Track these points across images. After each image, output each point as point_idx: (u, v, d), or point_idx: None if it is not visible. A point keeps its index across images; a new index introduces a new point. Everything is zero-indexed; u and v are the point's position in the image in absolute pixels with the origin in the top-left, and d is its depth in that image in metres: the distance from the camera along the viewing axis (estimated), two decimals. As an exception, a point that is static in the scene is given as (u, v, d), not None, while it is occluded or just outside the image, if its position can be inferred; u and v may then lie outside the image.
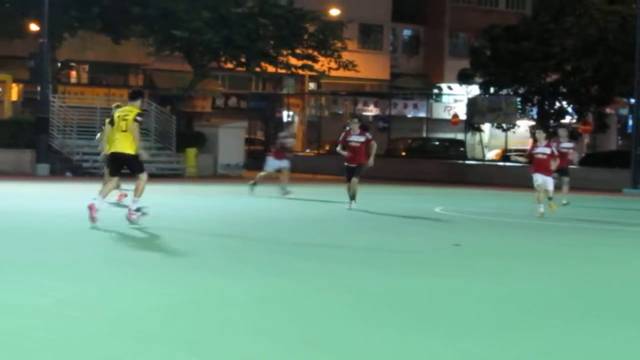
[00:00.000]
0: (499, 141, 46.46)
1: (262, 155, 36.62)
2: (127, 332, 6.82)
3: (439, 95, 52.96)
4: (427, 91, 52.84)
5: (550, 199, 19.34)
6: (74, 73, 47.88)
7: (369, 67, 49.93)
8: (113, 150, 14.29)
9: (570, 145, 23.32)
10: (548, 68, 40.45)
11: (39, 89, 32.41)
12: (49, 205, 18.59)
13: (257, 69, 39.47)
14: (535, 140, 20.60)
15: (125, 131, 13.97)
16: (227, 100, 50.71)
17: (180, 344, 6.51)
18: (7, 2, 35.33)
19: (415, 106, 51.16)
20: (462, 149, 43.50)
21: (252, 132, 46.10)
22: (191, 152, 34.59)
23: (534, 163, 19.27)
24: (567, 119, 42.48)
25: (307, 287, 9.21)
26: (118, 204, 17.57)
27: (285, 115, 49.26)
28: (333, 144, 32.79)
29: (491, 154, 48.29)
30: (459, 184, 34.39)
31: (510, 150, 41.53)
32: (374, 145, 19.58)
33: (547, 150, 19.16)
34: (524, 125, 44.01)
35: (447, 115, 47.82)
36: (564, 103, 41.80)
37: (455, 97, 49.51)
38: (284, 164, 23.45)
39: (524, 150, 27.92)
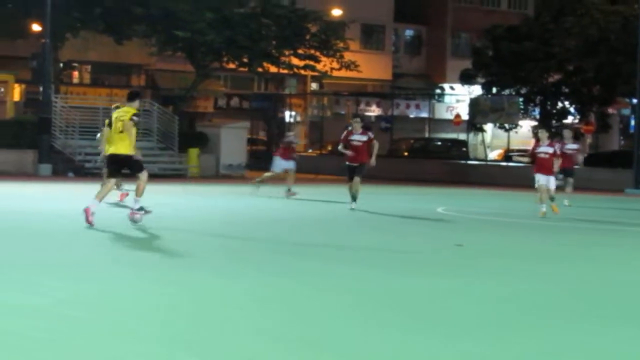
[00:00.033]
0: (501, 141, 46.46)
1: (264, 155, 36.80)
2: (127, 332, 6.83)
3: (441, 95, 52.97)
4: (430, 91, 52.85)
5: (552, 199, 19.32)
6: (76, 73, 47.90)
7: (371, 67, 49.93)
8: (111, 151, 14.41)
9: (575, 146, 23.30)
10: (550, 68, 40.44)
11: (41, 89, 32.41)
12: (50, 206, 18.60)
13: (260, 69, 39.47)
14: (537, 140, 20.58)
15: (122, 132, 14.08)
16: (229, 101, 50.74)
17: (180, 344, 6.51)
18: (9, 3, 35.36)
19: (417, 106, 51.17)
20: (464, 149, 43.48)
21: (254, 132, 46.10)
22: (193, 152, 34.60)
23: (537, 163, 19.25)
24: (569, 119, 42.48)
25: (307, 287, 9.21)
26: (119, 204, 17.59)
27: (289, 116, 49.20)
28: (335, 144, 32.82)
29: (493, 154, 48.29)
30: (461, 184, 34.37)
31: (513, 151, 41.54)
32: (376, 145, 19.55)
33: (550, 150, 19.15)
34: (526, 126, 43.99)
35: (450, 116, 47.81)
36: (566, 103, 41.79)
37: (458, 98, 49.52)
38: (291, 165, 23.39)
39: (525, 150, 27.91)
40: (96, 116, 32.85)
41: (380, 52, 54.75)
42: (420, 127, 49.72)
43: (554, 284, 9.81)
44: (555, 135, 30.46)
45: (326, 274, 10.09)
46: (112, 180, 14.58)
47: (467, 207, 21.46)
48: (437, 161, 40.55)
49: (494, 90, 42.30)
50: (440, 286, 9.41)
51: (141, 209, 14.34)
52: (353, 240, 13.75)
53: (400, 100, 50.24)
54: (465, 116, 42.61)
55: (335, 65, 39.59)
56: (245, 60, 38.24)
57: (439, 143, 46.43)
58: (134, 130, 14.22)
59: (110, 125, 14.54)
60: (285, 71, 40.56)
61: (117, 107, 15.17)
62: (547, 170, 18.99)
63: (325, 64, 39.32)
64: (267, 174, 23.76)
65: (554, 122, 40.62)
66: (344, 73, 40.87)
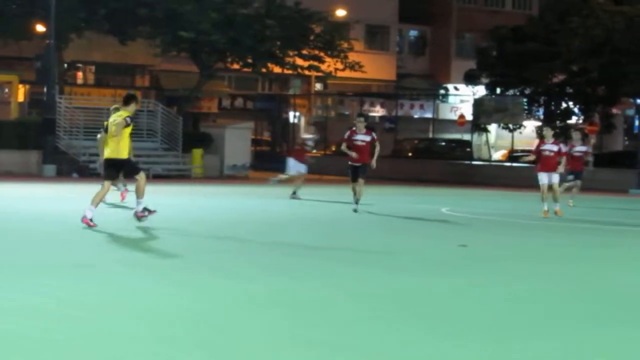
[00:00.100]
0: (505, 142, 46.40)
1: (271, 156, 36.73)
2: (127, 332, 6.82)
3: (446, 95, 52.89)
4: (434, 92, 52.80)
5: (556, 201, 19.28)
6: (80, 74, 47.92)
7: (376, 67, 49.88)
8: (107, 156, 14.47)
9: (584, 148, 23.23)
10: (554, 68, 40.36)
11: (45, 90, 32.45)
12: (53, 206, 18.60)
13: (264, 70, 39.44)
14: (542, 138, 20.54)
15: (115, 136, 14.11)
16: (233, 101, 50.73)
17: (180, 344, 6.50)
18: (14, 3, 35.40)
19: (421, 107, 51.08)
20: (468, 149, 43.45)
21: (258, 132, 46.10)
22: (197, 152, 34.61)
23: (540, 161, 19.23)
24: (573, 120, 42.40)
25: (311, 288, 9.19)
26: (119, 205, 17.60)
27: (295, 116, 49.12)
28: (339, 145, 32.80)
29: (497, 155, 48.24)
30: (465, 184, 34.35)
31: (517, 151, 41.47)
32: (378, 147, 19.47)
33: (555, 148, 19.13)
34: (530, 126, 43.91)
35: (454, 116, 47.76)
36: (570, 103, 41.71)
37: (462, 98, 49.42)
38: (303, 168, 23.15)
39: (530, 151, 27.86)
40: (100, 117, 32.75)
41: (385, 53, 54.71)
42: (425, 127, 49.63)
43: (556, 284, 9.80)
44: (560, 136, 30.41)
45: (330, 274, 10.08)
46: (107, 184, 14.59)
47: (471, 208, 21.43)
48: (441, 161, 40.53)
49: (498, 90, 42.25)
50: (444, 286, 9.40)
51: (145, 209, 14.35)
52: (357, 240, 13.73)
53: (405, 100, 50.15)
54: (469, 117, 42.55)
55: (339, 65, 39.55)
56: (249, 60, 38.24)
57: (443, 143, 46.39)
58: (127, 130, 14.20)
59: (106, 130, 14.60)
60: (290, 72, 40.55)
61: (117, 109, 15.20)
62: (550, 168, 18.97)
63: (329, 64, 39.29)
64: (282, 176, 23.49)
65: (558, 122, 40.53)
66: (348, 73, 40.83)
